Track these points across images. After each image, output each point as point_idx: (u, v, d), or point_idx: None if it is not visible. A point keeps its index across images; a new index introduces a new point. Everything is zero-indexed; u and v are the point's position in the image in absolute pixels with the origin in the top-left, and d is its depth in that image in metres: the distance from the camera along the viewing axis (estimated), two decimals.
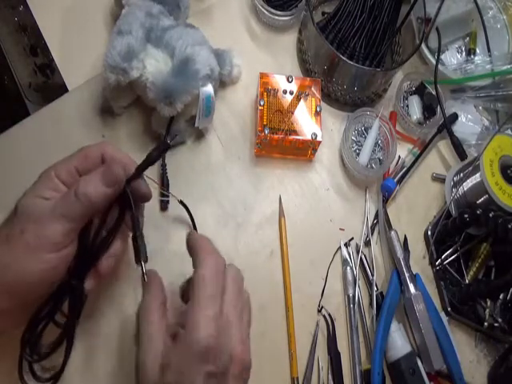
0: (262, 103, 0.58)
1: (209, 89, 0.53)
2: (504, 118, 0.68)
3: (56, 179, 0.39)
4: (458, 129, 0.66)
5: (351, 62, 0.57)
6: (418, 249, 0.62)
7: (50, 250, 0.36)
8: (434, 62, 0.66)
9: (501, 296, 0.58)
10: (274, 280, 0.57)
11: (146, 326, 0.36)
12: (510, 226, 0.52)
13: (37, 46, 0.68)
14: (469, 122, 0.67)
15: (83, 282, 0.40)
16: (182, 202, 0.53)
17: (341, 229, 0.61)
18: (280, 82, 0.59)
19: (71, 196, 0.37)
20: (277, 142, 0.58)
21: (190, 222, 0.56)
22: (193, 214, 0.56)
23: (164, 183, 0.57)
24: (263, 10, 0.64)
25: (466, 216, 0.56)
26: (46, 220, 0.36)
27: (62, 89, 0.60)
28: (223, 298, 0.37)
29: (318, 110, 0.59)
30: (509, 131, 0.67)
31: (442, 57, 0.70)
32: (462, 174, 0.61)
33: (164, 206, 0.56)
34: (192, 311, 0.34)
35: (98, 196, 0.37)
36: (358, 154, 0.62)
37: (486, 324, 0.57)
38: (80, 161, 0.41)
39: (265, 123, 0.57)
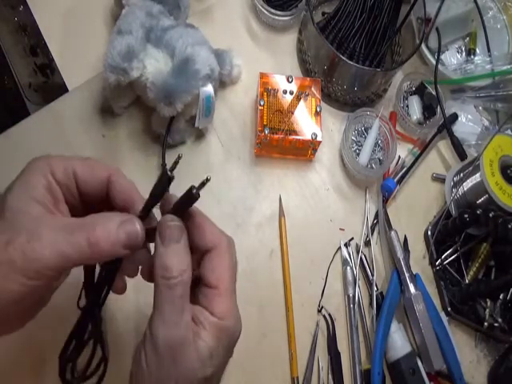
0: (262, 103, 0.58)
1: (209, 89, 0.53)
2: (504, 118, 0.68)
3: (50, 176, 0.33)
4: (458, 129, 0.66)
5: (351, 62, 0.57)
6: (418, 249, 0.62)
7: (37, 278, 0.30)
8: (433, 62, 0.66)
9: (501, 296, 0.58)
10: (274, 280, 0.57)
11: (178, 288, 0.31)
12: (510, 226, 0.52)
13: (37, 46, 0.69)
14: (469, 122, 0.67)
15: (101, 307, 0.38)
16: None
17: (341, 229, 0.61)
18: (280, 82, 0.59)
19: (82, 240, 0.30)
20: (277, 142, 0.58)
21: None
22: None
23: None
24: (263, 9, 0.64)
25: (465, 216, 0.56)
26: (43, 247, 0.30)
27: (61, 89, 0.60)
28: (235, 281, 0.35)
29: (318, 110, 0.59)
30: (509, 131, 0.67)
31: (442, 57, 0.70)
32: (462, 174, 0.61)
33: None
34: (226, 300, 0.33)
35: (110, 255, 0.32)
36: (357, 154, 0.62)
37: (486, 324, 0.57)
38: (82, 168, 0.34)
39: (265, 123, 0.57)
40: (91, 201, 0.35)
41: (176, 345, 0.30)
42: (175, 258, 0.31)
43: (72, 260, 0.30)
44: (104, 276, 0.36)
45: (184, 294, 0.31)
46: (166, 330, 0.30)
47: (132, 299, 0.52)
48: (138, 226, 0.32)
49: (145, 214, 0.34)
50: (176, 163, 0.34)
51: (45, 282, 0.31)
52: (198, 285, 0.35)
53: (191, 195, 0.34)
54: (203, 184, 0.34)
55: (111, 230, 0.31)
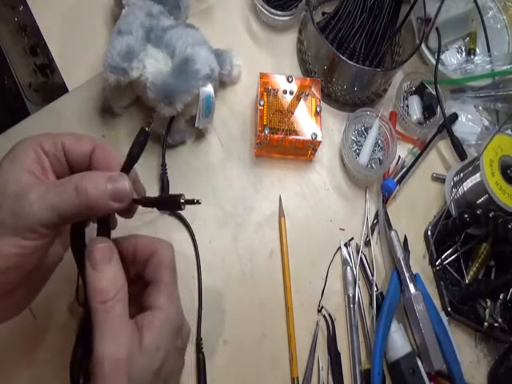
0: (262, 103, 0.58)
1: (209, 89, 0.53)
2: (504, 118, 0.68)
3: (39, 149, 0.34)
4: (458, 129, 0.66)
5: (351, 62, 0.57)
6: (418, 249, 0.62)
7: (28, 238, 0.31)
8: (434, 62, 0.66)
9: (501, 296, 0.58)
10: (274, 280, 0.57)
11: (116, 308, 0.31)
12: (510, 226, 0.52)
13: (37, 46, 0.69)
14: (469, 121, 0.67)
15: None
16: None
17: (341, 229, 0.61)
18: (280, 82, 0.59)
19: (69, 188, 0.31)
20: (277, 142, 0.58)
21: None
22: (193, 214, 0.57)
23: (164, 184, 0.57)
24: (263, 9, 0.64)
25: (465, 216, 0.56)
26: (31, 202, 0.30)
27: (61, 89, 0.60)
28: (176, 278, 0.37)
29: (318, 110, 0.59)
30: (509, 131, 0.67)
31: (442, 57, 0.70)
32: (462, 174, 0.61)
33: None
34: (163, 292, 0.35)
35: (100, 206, 0.32)
36: (358, 154, 0.62)
37: (486, 324, 0.57)
38: (70, 140, 0.36)
39: (265, 123, 0.57)
40: (77, 169, 0.36)
41: (121, 361, 0.31)
42: (110, 279, 0.32)
43: (62, 211, 0.31)
44: None
45: (123, 311, 0.32)
46: (110, 349, 0.30)
47: None
48: (126, 180, 0.33)
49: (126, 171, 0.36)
50: (150, 123, 0.36)
51: (38, 243, 0.32)
52: (141, 293, 0.36)
53: (177, 203, 0.34)
54: (192, 202, 0.34)
55: (99, 182, 0.32)
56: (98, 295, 0.31)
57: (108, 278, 0.32)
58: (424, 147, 0.64)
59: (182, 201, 0.34)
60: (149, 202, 0.36)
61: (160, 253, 0.36)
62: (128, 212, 0.37)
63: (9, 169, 0.33)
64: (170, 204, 0.36)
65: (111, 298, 0.31)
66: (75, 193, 0.31)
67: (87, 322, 0.36)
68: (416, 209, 0.63)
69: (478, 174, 0.58)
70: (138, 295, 0.37)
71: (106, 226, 0.36)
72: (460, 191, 0.61)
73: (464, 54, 0.72)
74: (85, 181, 0.32)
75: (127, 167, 0.36)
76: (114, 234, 0.37)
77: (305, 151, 0.61)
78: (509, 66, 0.66)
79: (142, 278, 0.37)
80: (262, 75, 0.59)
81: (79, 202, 0.31)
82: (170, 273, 0.36)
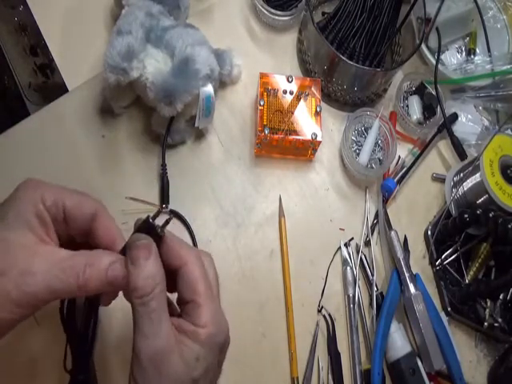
0: (261, 103, 0.58)
1: (209, 89, 0.53)
2: (504, 118, 0.68)
3: (41, 205, 0.34)
4: (458, 129, 0.66)
5: (351, 62, 0.57)
6: (418, 249, 0.62)
7: (27, 308, 0.32)
8: (434, 62, 0.66)
9: (501, 296, 0.58)
10: (274, 280, 0.57)
11: (155, 305, 0.32)
12: (510, 226, 0.52)
13: (37, 46, 0.69)
14: (469, 121, 0.67)
15: (89, 373, 0.38)
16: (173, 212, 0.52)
17: (341, 229, 0.61)
18: (280, 82, 0.59)
19: (73, 280, 0.32)
20: (277, 142, 0.58)
21: (186, 228, 0.57)
22: (193, 214, 0.56)
23: (164, 184, 0.57)
24: (263, 9, 0.64)
25: (465, 216, 0.56)
26: (35, 283, 0.31)
27: (61, 89, 0.60)
28: (214, 288, 0.37)
29: (318, 110, 0.59)
30: (509, 131, 0.67)
31: (442, 57, 0.70)
32: (462, 174, 0.61)
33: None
34: (206, 309, 0.34)
35: (96, 292, 0.33)
36: (357, 154, 0.62)
37: (486, 324, 0.57)
38: (71, 201, 0.36)
39: (265, 123, 0.57)
40: (75, 232, 0.37)
41: (158, 355, 0.31)
42: (147, 275, 0.33)
43: (61, 295, 0.32)
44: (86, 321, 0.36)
45: (159, 307, 0.32)
46: (147, 343, 0.31)
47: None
48: (123, 267, 0.33)
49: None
50: (167, 223, 0.35)
51: (33, 311, 0.33)
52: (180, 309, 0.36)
53: (155, 232, 0.34)
54: (167, 223, 0.34)
55: (101, 272, 0.33)
56: (135, 290, 0.32)
57: (145, 274, 0.32)
58: (424, 147, 0.64)
59: (159, 230, 0.34)
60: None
61: (189, 268, 0.35)
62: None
63: (13, 225, 0.33)
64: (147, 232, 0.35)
65: (147, 294, 0.32)
66: (77, 285, 0.32)
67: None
68: (416, 209, 0.63)
69: (478, 174, 0.58)
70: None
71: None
72: (460, 191, 0.61)
73: (464, 53, 0.72)
74: (87, 272, 0.32)
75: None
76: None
77: (305, 151, 0.61)
78: (509, 66, 0.66)
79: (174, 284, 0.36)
80: (262, 75, 0.59)
81: (79, 291, 0.33)
82: (206, 288, 0.35)
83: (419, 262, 0.61)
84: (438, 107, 0.66)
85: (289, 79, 0.60)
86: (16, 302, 0.31)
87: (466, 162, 0.63)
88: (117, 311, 0.51)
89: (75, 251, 0.34)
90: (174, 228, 0.57)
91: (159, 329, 0.32)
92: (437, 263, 0.60)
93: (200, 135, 0.61)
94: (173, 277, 0.36)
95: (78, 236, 0.37)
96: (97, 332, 0.37)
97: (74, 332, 0.36)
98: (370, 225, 0.61)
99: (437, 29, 0.67)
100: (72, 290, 0.32)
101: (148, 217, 0.34)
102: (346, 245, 0.60)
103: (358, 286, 0.57)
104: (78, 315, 0.36)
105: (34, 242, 0.33)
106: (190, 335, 0.33)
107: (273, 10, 0.64)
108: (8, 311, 0.31)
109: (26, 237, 0.33)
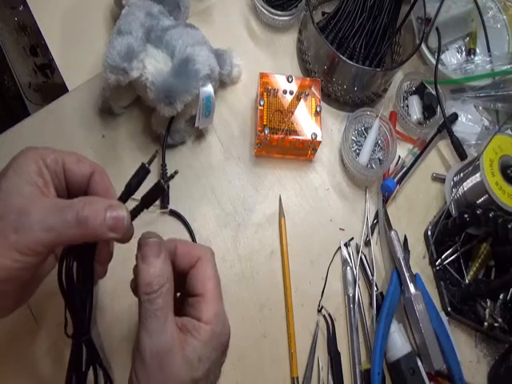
0: (261, 103, 0.58)
1: (209, 89, 0.53)
2: (504, 118, 0.68)
3: (41, 162, 0.35)
4: (458, 129, 0.66)
5: (351, 62, 0.57)
6: (418, 249, 0.62)
7: (27, 254, 0.32)
8: (434, 61, 0.66)
9: (501, 296, 0.58)
10: (274, 280, 0.57)
11: (161, 303, 0.33)
12: (510, 226, 0.52)
13: (37, 46, 0.69)
14: (469, 122, 0.67)
15: (90, 333, 0.38)
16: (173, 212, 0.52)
17: (341, 229, 0.61)
18: (280, 82, 0.59)
19: (71, 217, 0.32)
20: (277, 142, 0.58)
21: (186, 228, 0.57)
22: (193, 214, 0.56)
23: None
24: (263, 9, 0.64)
25: (466, 216, 0.56)
26: (32, 223, 0.32)
27: (62, 89, 0.60)
28: (220, 290, 0.37)
29: (318, 110, 0.59)
30: (509, 131, 0.67)
31: (442, 57, 0.70)
32: (462, 174, 0.61)
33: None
34: (210, 308, 0.35)
35: (97, 235, 0.33)
36: (357, 154, 0.62)
37: (486, 324, 0.57)
38: (71, 159, 0.37)
39: (265, 123, 0.57)
40: (74, 192, 0.37)
41: (161, 353, 0.32)
42: (155, 273, 0.33)
43: (60, 236, 0.32)
44: (82, 285, 0.36)
45: (165, 306, 0.33)
46: (151, 340, 0.32)
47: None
48: (124, 211, 0.34)
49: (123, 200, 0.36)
50: (153, 157, 0.36)
51: (36, 259, 0.33)
52: (184, 301, 0.37)
53: (159, 187, 0.35)
54: (172, 177, 0.35)
55: (99, 211, 0.33)
56: (144, 287, 0.33)
57: (154, 271, 0.33)
58: (424, 147, 0.64)
59: (163, 182, 0.35)
60: (138, 209, 0.36)
61: (203, 264, 0.36)
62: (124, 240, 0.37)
63: (13, 180, 0.33)
64: (154, 194, 0.36)
65: (155, 291, 0.32)
66: (76, 221, 0.32)
67: (77, 352, 0.37)
68: (416, 209, 0.63)
69: (478, 174, 0.58)
70: (180, 301, 0.37)
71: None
72: (460, 191, 0.61)
73: (464, 53, 0.72)
74: (86, 210, 0.32)
75: (124, 198, 0.36)
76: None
77: (305, 151, 0.61)
78: (509, 66, 0.66)
79: (182, 285, 0.37)
80: (262, 75, 0.59)
81: (79, 230, 0.32)
82: (216, 286, 0.36)
83: (419, 262, 0.61)
84: (438, 107, 0.66)
85: (289, 79, 0.60)
86: (15, 246, 0.31)
87: (465, 161, 0.63)
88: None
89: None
90: (174, 228, 0.57)
91: (164, 327, 0.32)
92: (437, 263, 0.60)
93: (200, 135, 0.61)
94: (181, 278, 0.37)
95: (77, 195, 0.36)
96: (94, 293, 0.37)
97: (72, 293, 0.36)
98: (370, 225, 0.61)
99: (437, 29, 0.67)
100: (71, 229, 0.32)
101: (143, 164, 0.35)
102: (346, 245, 0.60)
103: (358, 286, 0.57)
104: (77, 278, 0.36)
105: (33, 193, 0.33)
106: (195, 333, 0.33)
107: (273, 10, 0.64)
108: (9, 258, 0.31)
109: (24, 189, 0.33)
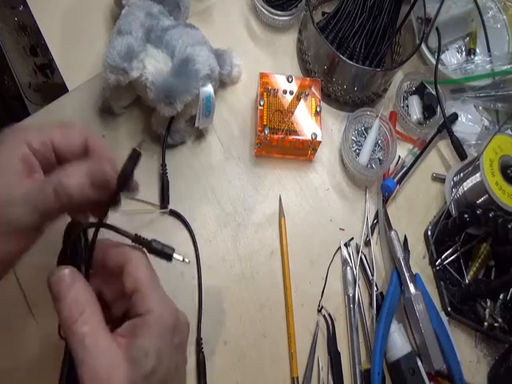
0: (261, 103, 0.58)
1: (209, 89, 0.53)
2: (504, 118, 0.68)
3: (26, 148, 0.34)
4: (458, 129, 0.66)
5: (351, 62, 0.57)
6: (418, 249, 0.62)
7: (14, 239, 0.32)
8: (434, 61, 0.66)
9: (501, 296, 0.58)
10: (274, 280, 0.57)
11: (86, 329, 0.31)
12: (510, 226, 0.52)
13: (37, 46, 0.69)
14: (469, 122, 0.67)
15: None
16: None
17: (341, 229, 0.61)
18: (280, 82, 0.59)
19: (48, 189, 0.32)
20: (277, 142, 0.58)
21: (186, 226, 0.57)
22: (193, 214, 0.56)
23: (164, 184, 0.57)
24: (263, 10, 0.64)
25: (466, 216, 0.56)
26: (15, 207, 0.31)
27: (62, 89, 0.60)
28: (157, 278, 0.36)
29: (318, 109, 0.59)
30: (509, 131, 0.67)
31: (442, 57, 0.70)
32: (462, 174, 0.61)
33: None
34: (147, 295, 0.34)
35: (79, 197, 0.33)
36: (357, 154, 0.62)
37: (486, 324, 0.57)
38: (59, 137, 0.35)
39: (265, 123, 0.57)
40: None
41: (99, 375, 0.30)
42: (69, 304, 0.32)
43: (46, 211, 0.32)
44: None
45: (92, 329, 0.31)
46: (85, 368, 0.30)
47: None
48: (106, 166, 0.33)
49: (115, 198, 0.35)
50: (142, 142, 0.37)
51: (25, 242, 0.33)
52: (128, 310, 0.35)
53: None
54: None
55: (75, 173, 0.33)
56: (64, 322, 0.31)
57: (68, 302, 0.32)
58: (424, 147, 0.64)
59: (172, 255, 0.36)
60: (141, 243, 0.36)
61: (133, 262, 0.35)
62: (113, 203, 0.37)
63: None
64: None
65: (75, 321, 0.31)
66: (53, 191, 0.32)
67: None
68: (416, 209, 0.63)
69: (478, 174, 0.58)
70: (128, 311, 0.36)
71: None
72: (460, 191, 0.61)
73: (464, 53, 0.72)
74: (63, 179, 0.32)
75: (119, 186, 0.35)
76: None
77: (305, 151, 0.61)
78: (509, 66, 0.66)
79: (124, 294, 0.36)
80: (262, 75, 0.59)
81: (58, 194, 0.32)
82: (149, 277, 0.35)
83: (419, 262, 0.61)
84: (438, 107, 0.66)
85: (289, 79, 0.60)
86: (1, 229, 0.31)
87: (465, 161, 0.63)
88: None
89: None
90: (174, 228, 0.57)
91: (96, 351, 0.31)
92: (437, 263, 0.60)
93: (200, 135, 0.61)
94: (118, 277, 0.36)
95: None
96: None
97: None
98: (370, 225, 0.61)
99: (437, 29, 0.67)
100: (52, 198, 0.32)
101: (134, 148, 0.35)
102: (346, 245, 0.60)
103: (358, 286, 0.57)
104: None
105: (17, 182, 0.33)
106: (136, 332, 0.32)
107: (273, 10, 0.64)
108: None
109: (6, 177, 0.33)
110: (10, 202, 0.31)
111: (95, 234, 0.36)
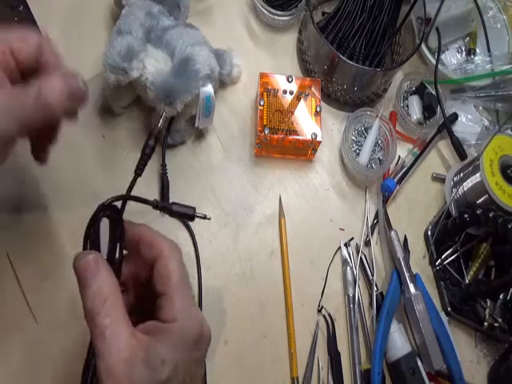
0: (261, 103, 0.58)
1: (209, 89, 0.53)
2: (504, 118, 0.68)
3: None
4: (458, 129, 0.66)
5: (351, 62, 0.57)
6: (418, 249, 0.62)
7: None
8: (434, 61, 0.66)
9: (501, 296, 0.58)
10: (273, 280, 0.57)
11: (107, 322, 0.31)
12: (509, 226, 0.52)
13: None
14: (469, 122, 0.67)
15: None
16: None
17: (341, 229, 0.61)
18: (280, 82, 0.59)
19: (29, 99, 0.33)
20: (277, 142, 0.58)
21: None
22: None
23: (164, 184, 0.57)
24: (263, 10, 0.64)
25: (466, 216, 0.56)
26: None
27: None
28: (188, 281, 0.36)
29: (318, 110, 0.59)
30: (509, 131, 0.67)
31: (442, 57, 0.70)
32: (462, 174, 0.61)
33: None
34: (175, 304, 0.34)
35: (58, 108, 0.34)
36: (357, 154, 0.62)
37: (486, 324, 0.57)
38: (16, 42, 0.36)
39: (265, 123, 0.57)
40: (25, 68, 0.38)
41: (115, 371, 0.30)
42: (93, 294, 0.32)
43: (28, 122, 0.34)
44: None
45: (113, 322, 0.31)
46: (103, 361, 0.30)
47: None
48: (79, 79, 0.36)
49: (139, 173, 0.38)
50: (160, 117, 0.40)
51: (4, 150, 0.34)
52: (155, 306, 0.35)
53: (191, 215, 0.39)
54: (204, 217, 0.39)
55: (54, 85, 0.34)
56: (87, 313, 0.31)
57: (93, 293, 0.32)
58: (424, 147, 0.64)
59: (195, 214, 0.38)
60: (164, 208, 0.38)
61: (163, 260, 0.35)
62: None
63: None
64: (183, 214, 0.38)
65: (98, 313, 0.31)
66: (36, 102, 0.33)
67: None
68: (416, 209, 0.63)
69: (478, 174, 0.58)
70: (151, 299, 0.36)
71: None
72: (460, 191, 0.61)
73: (464, 53, 0.72)
74: (43, 90, 0.34)
75: (141, 166, 0.38)
76: None
77: (305, 151, 0.61)
78: (509, 66, 0.66)
79: (151, 283, 0.36)
80: (262, 75, 0.59)
81: (41, 110, 0.34)
82: (180, 280, 0.35)
83: (419, 262, 0.61)
84: (438, 107, 0.66)
85: (289, 79, 0.60)
86: None
87: (465, 161, 0.63)
88: None
89: None
90: (175, 228, 0.57)
91: (115, 345, 0.31)
92: (437, 263, 0.60)
93: (200, 135, 0.61)
94: (151, 268, 0.36)
95: (31, 71, 0.38)
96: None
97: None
98: (370, 225, 0.61)
99: (437, 29, 0.67)
100: (35, 112, 0.33)
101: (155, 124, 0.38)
102: (346, 245, 0.60)
103: (358, 286, 0.57)
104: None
105: None
106: (158, 335, 0.32)
107: (273, 10, 0.64)
108: None
109: None
110: None
111: (123, 206, 0.37)
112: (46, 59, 0.38)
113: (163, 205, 0.37)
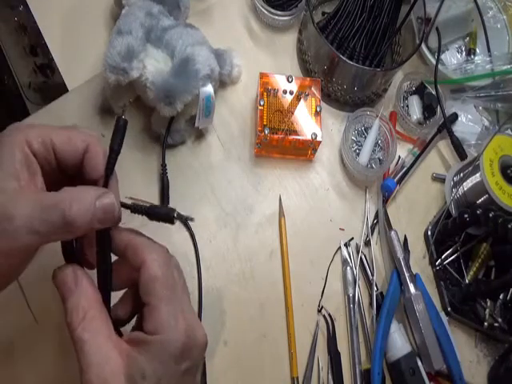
0: (261, 103, 0.58)
1: (209, 89, 0.53)
2: (504, 118, 0.68)
3: (27, 149, 0.32)
4: (458, 129, 0.66)
5: (351, 62, 0.57)
6: (418, 249, 0.62)
7: (12, 256, 0.31)
8: (434, 61, 0.66)
9: (501, 296, 0.58)
10: (273, 280, 0.57)
11: (86, 336, 0.30)
12: (510, 226, 0.52)
13: (37, 46, 0.69)
14: (469, 122, 0.67)
15: None
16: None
17: (341, 229, 0.61)
18: (280, 82, 0.59)
19: (57, 217, 0.30)
20: (277, 142, 0.58)
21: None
22: (193, 214, 0.56)
23: (164, 184, 0.57)
24: (263, 10, 0.64)
25: (466, 216, 0.56)
26: (16, 227, 0.29)
27: (62, 89, 0.60)
28: (177, 288, 0.34)
29: (318, 110, 0.59)
30: (509, 131, 0.67)
31: (442, 57, 0.70)
32: (462, 174, 0.61)
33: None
34: (157, 315, 0.32)
35: (86, 230, 0.31)
36: (357, 154, 0.62)
37: (486, 324, 0.57)
38: (60, 139, 0.34)
39: (265, 123, 0.57)
40: (68, 168, 0.35)
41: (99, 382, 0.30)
42: (72, 309, 0.31)
43: (46, 238, 0.30)
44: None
45: (92, 336, 0.31)
46: (84, 376, 0.30)
47: None
48: (114, 200, 0.32)
49: (109, 172, 0.34)
50: (124, 108, 0.34)
51: (20, 260, 0.31)
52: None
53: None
54: (184, 218, 0.35)
55: (88, 207, 0.30)
56: (67, 327, 0.31)
57: (71, 308, 0.31)
58: (424, 147, 0.64)
59: (174, 215, 0.34)
60: (139, 210, 0.35)
61: (148, 268, 0.33)
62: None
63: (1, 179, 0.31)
64: (161, 216, 0.35)
65: (76, 328, 0.31)
66: (62, 223, 0.30)
67: None
68: (416, 209, 0.63)
69: (478, 174, 0.58)
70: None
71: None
72: (460, 191, 0.61)
73: (464, 53, 0.72)
74: (73, 209, 0.30)
75: (111, 162, 0.34)
76: None
77: (305, 151, 0.61)
78: (509, 66, 0.66)
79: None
80: (262, 75, 0.59)
81: (67, 231, 0.30)
82: (164, 288, 0.33)
83: (419, 262, 0.61)
84: (438, 107, 0.66)
85: (289, 79, 0.60)
86: (0, 251, 0.30)
87: (465, 161, 0.63)
88: None
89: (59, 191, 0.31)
90: (175, 228, 0.57)
91: (95, 359, 0.30)
92: (437, 263, 0.60)
93: (200, 135, 0.61)
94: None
95: (71, 172, 0.35)
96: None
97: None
98: (370, 225, 0.61)
99: (437, 29, 0.67)
100: (58, 229, 0.30)
101: (119, 117, 0.35)
102: (346, 245, 0.60)
103: (358, 286, 0.57)
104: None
105: (16, 190, 0.31)
106: (140, 347, 0.31)
107: (273, 10, 0.64)
108: None
109: (8, 183, 0.31)
110: (10, 218, 0.29)
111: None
112: (89, 166, 0.34)
113: (140, 209, 0.35)
